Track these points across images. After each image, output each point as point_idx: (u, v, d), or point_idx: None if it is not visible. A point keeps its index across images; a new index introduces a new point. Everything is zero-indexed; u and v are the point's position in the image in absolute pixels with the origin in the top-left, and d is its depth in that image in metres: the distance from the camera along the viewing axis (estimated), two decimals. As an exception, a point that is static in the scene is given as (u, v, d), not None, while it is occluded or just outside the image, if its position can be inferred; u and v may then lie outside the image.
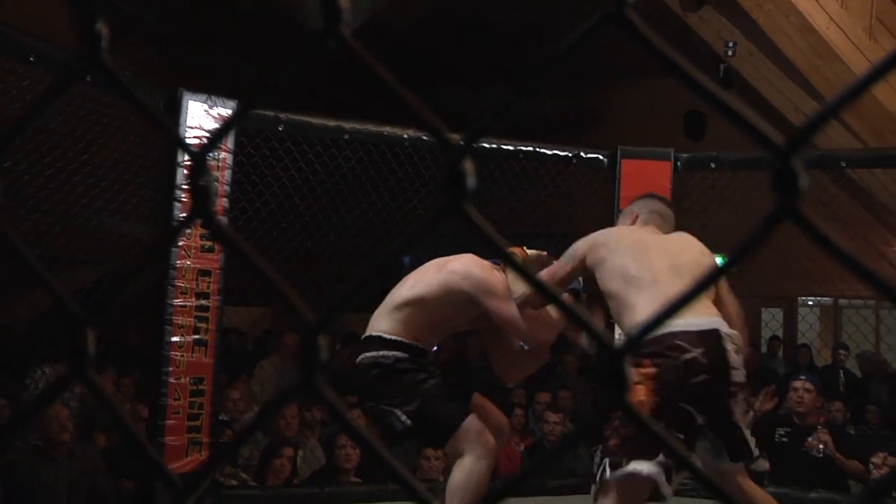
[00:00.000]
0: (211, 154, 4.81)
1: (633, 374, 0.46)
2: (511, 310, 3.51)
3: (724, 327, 3.08)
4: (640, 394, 2.88)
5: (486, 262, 3.69)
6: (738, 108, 0.48)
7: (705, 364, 2.94)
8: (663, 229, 3.59)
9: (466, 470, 3.36)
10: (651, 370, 2.91)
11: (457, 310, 3.61)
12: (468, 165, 0.49)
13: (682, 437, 2.95)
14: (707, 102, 0.49)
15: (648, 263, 3.21)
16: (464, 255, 3.69)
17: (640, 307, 3.06)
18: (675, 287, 3.02)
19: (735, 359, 3.05)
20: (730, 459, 3.21)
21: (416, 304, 3.55)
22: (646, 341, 3.31)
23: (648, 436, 0.46)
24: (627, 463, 3.06)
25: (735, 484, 3.23)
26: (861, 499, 0.51)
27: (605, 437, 3.19)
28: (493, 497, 0.50)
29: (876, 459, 5.32)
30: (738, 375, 3.05)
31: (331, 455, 5.68)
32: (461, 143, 0.49)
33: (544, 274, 3.50)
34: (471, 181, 0.49)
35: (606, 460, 3.17)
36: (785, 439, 5.74)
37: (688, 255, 3.30)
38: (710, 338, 3.00)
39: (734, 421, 3.14)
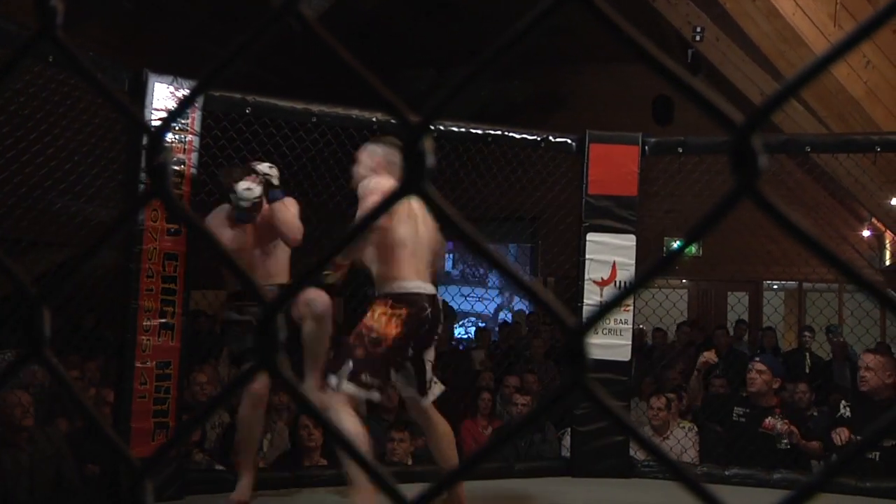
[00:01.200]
0: (177, 136, 4.78)
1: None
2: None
3: (437, 293, 4.16)
4: (393, 326, 3.86)
5: None
6: (698, 88, 0.48)
7: (430, 318, 3.99)
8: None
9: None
10: (404, 313, 3.90)
11: None
12: (427, 144, 0.49)
13: (397, 362, 4.00)
14: (668, 82, 0.49)
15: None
16: None
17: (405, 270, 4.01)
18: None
19: (440, 315, 4.13)
20: (417, 391, 4.15)
21: None
22: (401, 294, 3.87)
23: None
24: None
25: (417, 408, 4.22)
26: (819, 476, 0.51)
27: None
28: (455, 475, 0.50)
29: (836, 437, 5.41)
30: (440, 329, 4.14)
31: (296, 437, 5.68)
32: (419, 121, 0.48)
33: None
34: (430, 159, 0.48)
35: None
36: (742, 419, 5.83)
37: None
38: (434, 300, 4.06)
39: (425, 360, 4.11)
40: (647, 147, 6.08)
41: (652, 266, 0.47)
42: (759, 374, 5.78)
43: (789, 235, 0.46)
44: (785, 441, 5.61)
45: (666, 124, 11.80)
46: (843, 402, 5.83)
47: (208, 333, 8.30)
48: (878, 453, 5.34)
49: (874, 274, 10.15)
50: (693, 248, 12.63)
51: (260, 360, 0.49)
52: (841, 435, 5.41)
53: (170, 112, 0.58)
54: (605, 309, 0.47)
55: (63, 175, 4.98)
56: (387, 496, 0.50)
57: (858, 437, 5.33)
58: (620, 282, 5.88)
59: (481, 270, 13.61)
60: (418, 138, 0.48)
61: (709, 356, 6.40)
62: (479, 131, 5.95)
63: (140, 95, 4.70)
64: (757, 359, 6.14)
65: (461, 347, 10.82)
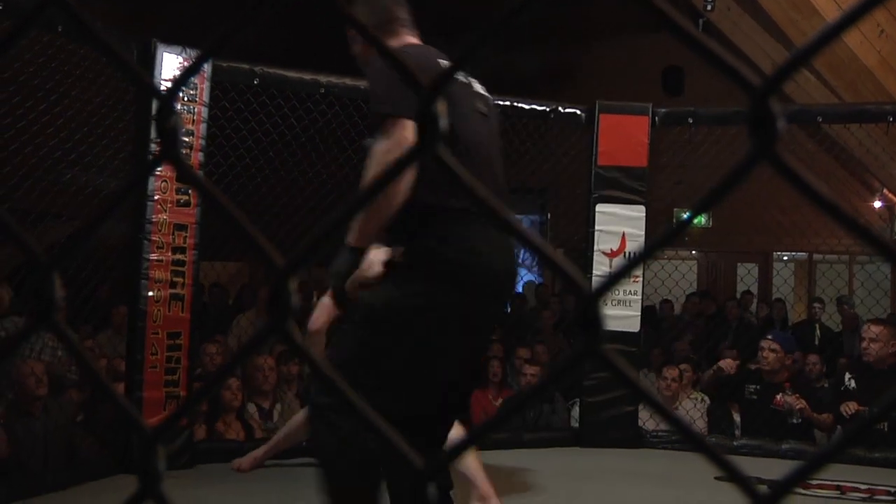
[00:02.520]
0: (186, 107, 4.77)
1: (604, 316, 0.46)
2: None
3: None
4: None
5: None
6: (715, 49, 0.47)
7: None
8: None
9: None
10: None
11: None
12: (441, 107, 0.48)
13: None
14: (686, 44, 0.48)
15: None
16: None
17: None
18: None
19: None
20: None
21: None
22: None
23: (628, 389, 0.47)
24: None
25: None
26: (830, 448, 0.51)
27: None
28: (465, 443, 0.50)
29: (846, 409, 5.42)
30: None
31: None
32: (431, 85, 0.48)
33: None
34: (443, 123, 0.48)
35: None
36: (755, 396, 5.84)
37: None
38: None
39: None
40: (656, 118, 6.05)
41: (668, 230, 0.46)
42: (771, 352, 5.78)
43: (808, 200, 0.45)
44: (796, 417, 5.62)
45: (676, 95, 11.73)
46: (847, 373, 5.82)
47: (219, 304, 8.32)
48: (886, 423, 5.36)
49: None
50: (703, 220, 12.60)
51: (271, 326, 0.49)
52: (849, 407, 5.42)
53: (179, 75, 0.58)
54: (618, 275, 0.46)
55: (73, 146, 4.98)
56: (404, 458, 0.50)
57: (865, 409, 5.34)
58: (630, 253, 5.88)
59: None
60: (431, 102, 0.48)
61: (726, 366, 6.14)
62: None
63: (149, 66, 4.69)
64: (769, 336, 6.11)
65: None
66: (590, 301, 0.44)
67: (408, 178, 2.39)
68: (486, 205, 0.46)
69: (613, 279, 0.45)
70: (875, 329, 5.69)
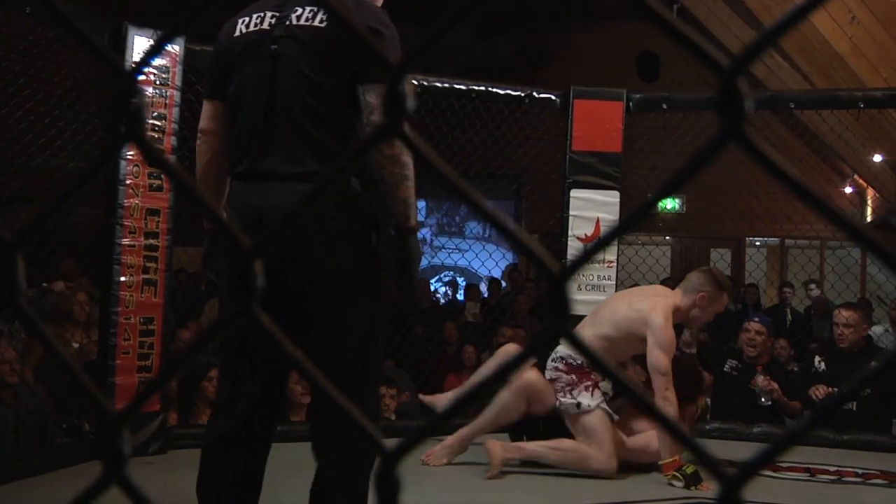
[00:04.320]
0: (158, 91, 4.72)
1: (572, 300, 0.45)
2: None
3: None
4: None
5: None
6: (683, 29, 0.47)
7: None
8: None
9: None
10: None
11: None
12: (407, 87, 0.48)
13: None
14: (656, 25, 0.48)
15: None
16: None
17: None
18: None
19: None
20: None
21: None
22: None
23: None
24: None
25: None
26: (796, 429, 0.51)
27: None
28: (428, 428, 0.50)
29: (815, 393, 5.47)
30: None
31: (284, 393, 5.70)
32: (400, 63, 0.47)
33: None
34: (410, 102, 0.47)
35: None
36: (734, 373, 5.88)
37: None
38: None
39: None
40: (631, 103, 6.05)
41: (633, 213, 0.46)
42: (758, 334, 5.82)
43: (776, 180, 0.45)
44: (766, 399, 5.67)
45: (651, 81, 11.76)
46: (817, 357, 5.87)
47: (192, 290, 8.28)
48: (854, 403, 5.42)
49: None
50: (676, 205, 12.67)
51: (238, 308, 0.49)
52: (818, 391, 5.48)
53: (145, 53, 0.57)
54: (587, 254, 0.46)
55: (43, 129, 4.93)
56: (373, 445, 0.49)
57: (834, 390, 5.40)
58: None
59: (457, 219, 13.53)
60: (398, 80, 0.47)
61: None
62: (463, 87, 5.91)
63: (120, 49, 4.64)
64: (755, 318, 6.15)
65: (443, 302, 10.83)
66: (558, 281, 0.44)
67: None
68: (451, 184, 0.46)
69: (580, 261, 0.45)
70: (846, 314, 5.74)
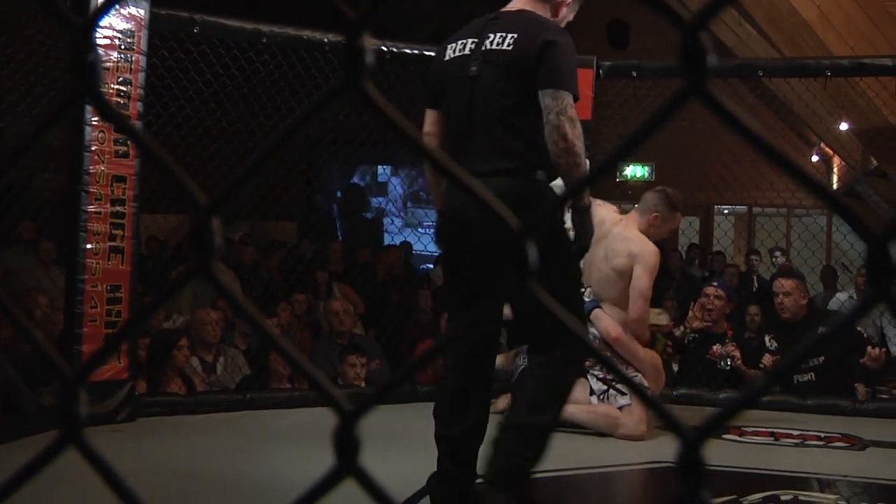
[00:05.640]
0: (123, 56, 4.65)
1: (535, 255, 0.45)
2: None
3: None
4: None
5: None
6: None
7: None
8: None
9: None
10: None
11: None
12: (367, 41, 0.47)
13: None
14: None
15: None
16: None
17: None
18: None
19: None
20: None
21: None
22: None
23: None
24: None
25: None
26: (755, 388, 0.52)
27: None
28: (392, 382, 0.49)
29: (766, 362, 5.54)
30: None
31: (259, 362, 5.71)
32: (359, 17, 0.46)
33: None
34: (369, 57, 0.47)
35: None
36: (693, 345, 5.93)
37: None
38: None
39: None
40: (601, 71, 6.04)
41: (602, 163, 0.46)
42: (717, 299, 5.83)
43: (739, 137, 0.45)
44: (724, 364, 5.70)
45: (621, 49, 11.75)
46: (767, 336, 5.85)
47: (159, 257, 8.22)
48: (812, 374, 5.51)
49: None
50: (645, 174, 12.71)
51: (194, 266, 0.48)
52: (767, 360, 5.55)
53: (99, 7, 0.56)
54: (548, 211, 0.46)
55: (4, 94, 4.84)
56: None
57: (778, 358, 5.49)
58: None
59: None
60: (357, 35, 0.46)
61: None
62: (433, 53, 5.86)
63: (82, 9, 4.56)
64: (714, 283, 6.18)
65: (421, 268, 10.81)
66: (519, 237, 0.44)
67: None
68: (408, 138, 0.45)
69: (544, 215, 0.45)
70: (785, 283, 5.75)
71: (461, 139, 3.06)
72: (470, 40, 3.12)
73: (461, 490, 3.02)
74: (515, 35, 2.99)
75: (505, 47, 3.01)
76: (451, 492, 3.03)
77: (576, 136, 2.87)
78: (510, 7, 3.19)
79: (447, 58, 3.18)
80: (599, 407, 4.70)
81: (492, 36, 3.06)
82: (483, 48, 3.06)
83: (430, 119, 3.25)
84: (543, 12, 3.15)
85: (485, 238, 2.77)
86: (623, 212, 5.16)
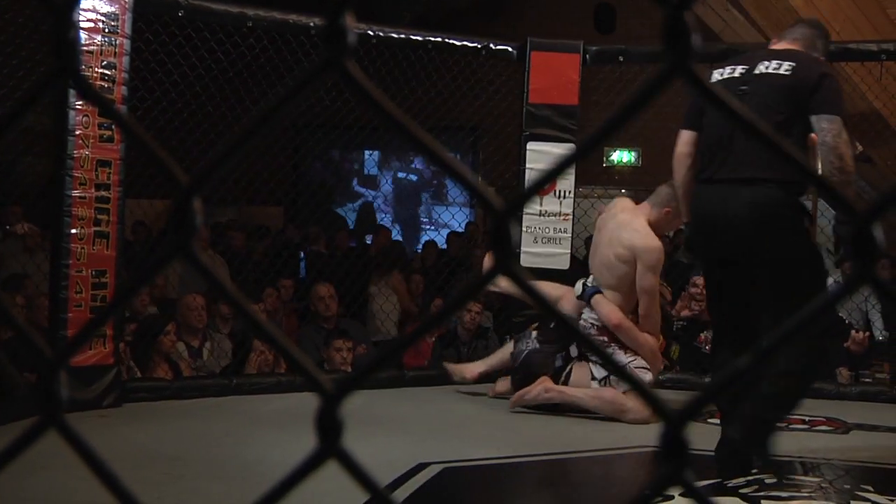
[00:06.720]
0: (107, 39, 4.61)
1: (516, 233, 0.45)
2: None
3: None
4: None
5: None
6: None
7: None
8: None
9: None
10: None
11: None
12: (349, 20, 0.46)
13: None
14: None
15: None
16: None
17: None
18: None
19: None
20: None
21: None
22: None
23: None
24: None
25: None
26: (736, 369, 0.52)
27: None
28: (374, 362, 0.49)
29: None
30: None
31: (242, 348, 5.70)
32: (338, 3, 0.46)
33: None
34: (351, 37, 0.46)
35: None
36: (681, 333, 5.96)
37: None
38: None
39: None
40: (588, 56, 6.04)
41: (586, 140, 0.46)
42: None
43: (722, 113, 0.45)
44: (707, 347, 5.72)
45: (607, 33, 11.73)
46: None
47: (144, 242, 8.19)
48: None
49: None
50: (632, 159, 12.72)
51: (175, 245, 0.48)
52: None
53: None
54: (530, 190, 0.45)
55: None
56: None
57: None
58: (561, 191, 5.90)
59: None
60: (339, 14, 0.46)
61: None
62: (419, 38, 5.85)
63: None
64: (701, 273, 6.16)
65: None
66: (501, 217, 0.43)
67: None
68: (395, 121, 0.45)
69: (526, 194, 0.44)
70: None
71: (720, 149, 3.40)
72: (740, 66, 3.50)
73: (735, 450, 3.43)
74: (794, 64, 3.36)
75: (782, 72, 3.37)
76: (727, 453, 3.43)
77: (850, 156, 3.25)
78: (777, 46, 3.61)
79: (714, 80, 3.51)
80: (605, 392, 4.70)
81: (766, 63, 3.43)
82: (756, 72, 3.42)
83: (685, 139, 3.61)
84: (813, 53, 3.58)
85: (742, 239, 3.33)
86: (610, 197, 5.18)
